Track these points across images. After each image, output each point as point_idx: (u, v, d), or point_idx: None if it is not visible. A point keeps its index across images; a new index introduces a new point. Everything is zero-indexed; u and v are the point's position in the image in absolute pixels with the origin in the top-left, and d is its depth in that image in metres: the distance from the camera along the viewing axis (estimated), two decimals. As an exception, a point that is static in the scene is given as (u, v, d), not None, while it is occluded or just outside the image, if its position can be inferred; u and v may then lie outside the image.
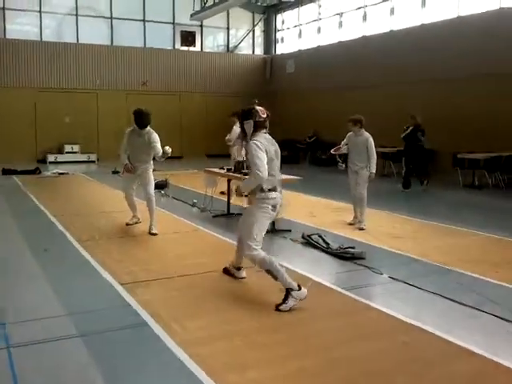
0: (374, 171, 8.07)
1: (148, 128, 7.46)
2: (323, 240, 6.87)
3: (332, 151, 8.62)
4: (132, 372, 3.56)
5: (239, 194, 4.98)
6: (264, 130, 4.85)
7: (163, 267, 5.93)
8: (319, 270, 5.93)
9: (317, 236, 7.01)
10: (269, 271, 4.67)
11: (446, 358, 3.78)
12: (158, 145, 7.35)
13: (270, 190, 4.75)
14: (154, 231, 7.45)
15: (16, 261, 6.21)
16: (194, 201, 10.04)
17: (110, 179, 14.09)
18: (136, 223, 7.94)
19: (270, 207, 4.78)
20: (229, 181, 8.93)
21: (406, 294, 5.22)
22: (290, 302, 4.54)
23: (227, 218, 8.89)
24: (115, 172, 15.25)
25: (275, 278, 4.65)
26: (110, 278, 5.48)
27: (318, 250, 6.72)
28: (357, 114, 8.21)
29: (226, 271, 5.57)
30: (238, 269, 5.46)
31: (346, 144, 8.28)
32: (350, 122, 8.10)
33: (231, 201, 9.11)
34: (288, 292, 4.56)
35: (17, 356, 3.68)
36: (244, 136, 4.91)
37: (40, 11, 19.50)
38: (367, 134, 8.07)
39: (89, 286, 5.32)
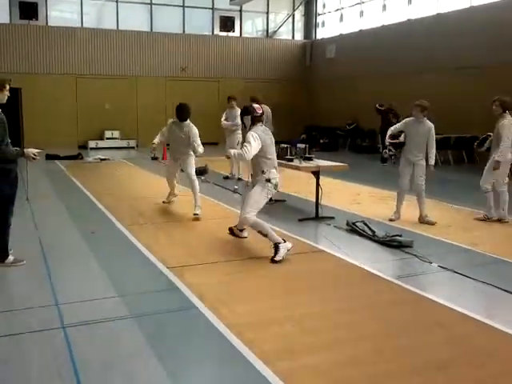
0: (433, 163, 7.39)
1: (188, 121, 7.88)
2: (368, 227, 6.76)
3: (388, 139, 7.98)
4: (184, 353, 3.58)
5: (227, 156, 6.34)
6: (260, 123, 5.89)
7: (208, 252, 5.95)
8: (366, 258, 5.83)
9: (362, 223, 6.90)
10: (260, 232, 5.70)
11: (506, 349, 3.67)
12: (198, 140, 7.71)
13: (270, 175, 5.76)
14: (196, 212, 7.63)
15: (67, 243, 6.32)
16: (235, 187, 10.03)
17: (150, 165, 14.23)
18: (171, 200, 8.63)
19: (272, 185, 5.81)
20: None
21: (456, 283, 5.09)
22: (281, 252, 5.49)
23: (269, 204, 8.76)
24: (155, 158, 15.39)
25: (265, 235, 5.66)
26: (157, 261, 5.52)
27: (364, 238, 6.62)
28: (423, 100, 7.40)
29: (231, 231, 6.56)
30: (241, 230, 6.46)
31: (402, 131, 7.61)
32: (418, 108, 7.29)
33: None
34: (276, 246, 5.52)
35: (72, 336, 3.75)
36: (244, 127, 6.12)
37: (81, -2, 19.69)
38: (430, 123, 7.35)
39: (137, 268, 5.39)
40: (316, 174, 7.77)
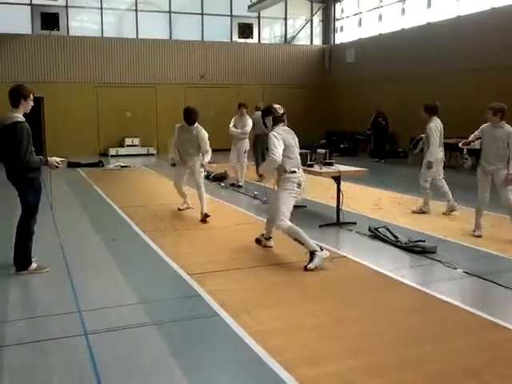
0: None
1: (196, 124, 7.97)
2: (391, 233, 6.68)
3: (460, 145, 7.55)
4: (206, 360, 3.55)
5: (260, 174, 6.21)
6: (282, 123, 5.81)
7: (229, 258, 5.93)
8: (389, 264, 5.76)
9: (384, 229, 6.82)
10: (296, 239, 5.54)
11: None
12: (207, 146, 7.86)
13: (292, 172, 5.67)
14: (205, 211, 7.79)
15: (89, 250, 6.37)
16: (255, 193, 10.01)
17: (170, 172, 14.20)
18: (187, 208, 8.58)
19: (295, 185, 5.69)
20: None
21: (482, 289, 5.00)
22: (316, 261, 5.32)
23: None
24: (174, 165, 15.45)
25: (301, 243, 5.49)
26: (178, 268, 5.52)
27: (386, 243, 6.53)
28: (497, 102, 6.77)
29: (257, 241, 6.41)
30: (268, 238, 6.30)
31: (479, 138, 6.97)
32: (490, 111, 6.65)
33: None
34: (312, 254, 5.36)
35: (94, 343, 3.75)
36: (265, 128, 5.99)
37: (101, 8, 19.95)
38: (509, 127, 6.62)
39: (158, 275, 5.39)
40: (337, 179, 7.70)
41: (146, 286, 5.00)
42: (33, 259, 5.36)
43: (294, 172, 5.69)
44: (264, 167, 5.99)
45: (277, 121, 5.79)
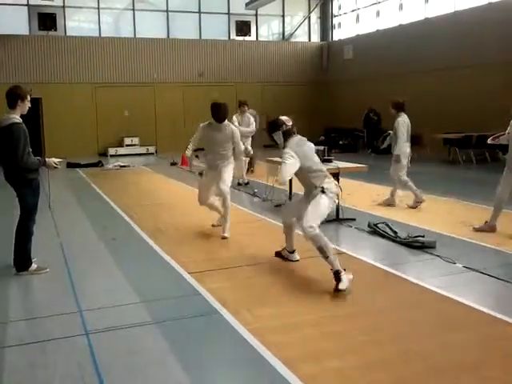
0: None
1: (226, 121, 6.96)
2: (390, 229, 6.68)
3: (489, 140, 7.13)
4: (207, 359, 3.56)
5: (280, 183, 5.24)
6: (293, 136, 5.17)
7: (229, 257, 5.94)
8: (388, 260, 5.77)
9: (384, 225, 6.83)
10: (321, 248, 4.78)
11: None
12: (240, 142, 7.01)
13: (322, 184, 5.01)
14: (225, 234, 6.73)
15: (89, 250, 6.37)
16: (255, 190, 10.02)
17: (170, 171, 14.30)
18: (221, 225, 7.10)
19: (332, 195, 5.06)
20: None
21: (481, 284, 5.00)
22: (345, 281, 4.66)
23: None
24: (174, 163, 15.47)
25: (326, 256, 4.78)
26: (178, 266, 5.53)
27: (386, 239, 6.54)
28: None
29: (278, 254, 5.79)
30: (292, 252, 5.65)
31: (508, 133, 6.60)
32: None
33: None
34: (338, 273, 4.70)
35: (95, 342, 3.76)
36: (275, 144, 5.34)
37: (98, 7, 19.93)
38: None
39: (158, 274, 5.40)
40: (336, 175, 7.70)
41: (147, 285, 5.01)
42: (33, 260, 5.37)
43: (326, 184, 5.03)
44: (281, 178, 5.04)
45: (287, 134, 5.15)
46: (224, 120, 6.89)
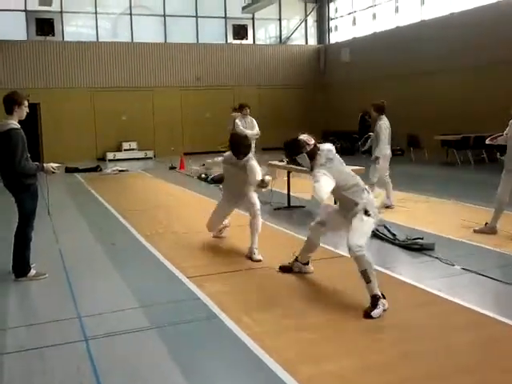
0: None
1: (247, 157, 6.21)
2: (389, 231, 6.69)
3: (487, 141, 7.04)
4: (207, 363, 3.55)
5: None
6: (318, 152, 4.61)
7: (228, 261, 5.93)
8: (387, 262, 5.77)
9: (382, 227, 6.82)
10: (364, 272, 4.36)
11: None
12: (257, 175, 6.04)
13: (362, 200, 4.55)
14: (257, 257, 5.90)
15: (88, 255, 6.35)
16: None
17: (168, 175, 14.31)
18: (224, 228, 7.03)
19: (374, 212, 4.63)
20: (289, 173, 8.88)
21: (481, 286, 4.99)
22: (380, 308, 4.25)
23: (288, 210, 8.82)
24: (172, 168, 15.48)
25: (368, 281, 4.34)
26: (177, 271, 5.52)
27: (384, 242, 6.54)
28: None
29: (284, 269, 5.35)
30: (306, 264, 5.32)
31: (506, 134, 6.58)
32: None
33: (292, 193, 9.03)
34: (376, 298, 4.29)
35: (95, 348, 3.75)
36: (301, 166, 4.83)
37: (96, 12, 19.97)
38: None
39: (157, 279, 5.39)
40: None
41: (146, 290, 5.00)
42: (31, 265, 5.36)
43: (366, 201, 4.59)
44: (317, 197, 4.51)
45: (312, 155, 4.58)
46: (244, 157, 6.16)
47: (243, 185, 6.21)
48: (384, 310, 4.25)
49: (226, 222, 6.93)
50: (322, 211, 5.17)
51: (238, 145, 6.18)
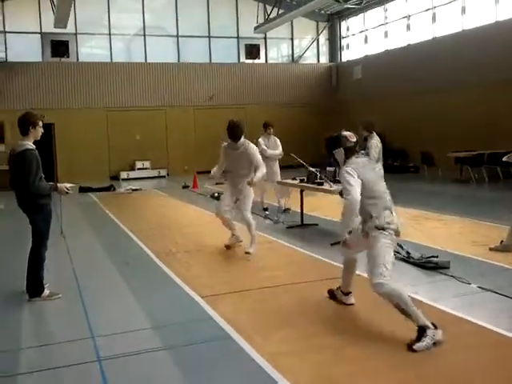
0: None
1: (243, 140, 7.04)
2: (403, 248, 6.62)
3: (504, 158, 7.01)
4: (220, 385, 3.52)
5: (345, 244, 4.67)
6: (356, 155, 4.54)
7: (241, 280, 5.91)
8: (402, 281, 5.69)
9: (396, 245, 6.75)
10: (398, 306, 4.05)
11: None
12: (259, 159, 7.01)
13: (379, 216, 4.31)
14: (250, 250, 6.98)
15: (102, 275, 6.37)
16: (266, 213, 10.00)
17: (182, 194, 14.36)
18: (237, 242, 7.44)
19: (390, 232, 4.31)
20: (301, 191, 8.87)
21: (498, 304, 4.91)
22: (428, 341, 3.88)
23: (301, 228, 8.79)
24: (185, 186, 15.54)
25: (405, 313, 4.02)
26: (190, 290, 5.50)
27: (398, 260, 6.47)
28: None
29: (331, 295, 5.14)
30: (346, 294, 5.01)
31: None
32: None
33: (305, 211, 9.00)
34: (423, 330, 3.93)
35: (108, 368, 3.74)
36: (337, 163, 4.79)
37: (110, 34, 20.29)
38: None
39: (171, 299, 5.37)
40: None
41: (159, 310, 4.99)
42: (45, 285, 5.38)
43: (384, 218, 4.32)
44: (344, 222, 4.52)
45: (349, 152, 4.52)
46: (238, 138, 7.01)
47: (243, 167, 7.04)
48: (434, 343, 3.89)
49: (239, 236, 7.42)
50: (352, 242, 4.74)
51: (233, 129, 7.01)
